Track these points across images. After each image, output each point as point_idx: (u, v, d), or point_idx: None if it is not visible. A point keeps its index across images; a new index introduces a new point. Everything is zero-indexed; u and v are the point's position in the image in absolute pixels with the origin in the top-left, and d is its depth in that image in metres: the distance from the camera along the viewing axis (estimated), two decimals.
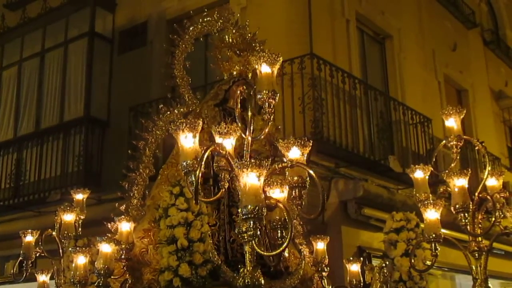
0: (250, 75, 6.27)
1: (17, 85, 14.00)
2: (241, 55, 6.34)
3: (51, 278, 6.44)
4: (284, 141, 3.91)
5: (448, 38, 16.02)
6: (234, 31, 6.43)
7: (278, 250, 3.61)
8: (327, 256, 6.22)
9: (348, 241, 10.29)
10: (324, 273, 6.22)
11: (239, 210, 3.35)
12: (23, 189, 12.94)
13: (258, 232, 3.40)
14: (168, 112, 6.45)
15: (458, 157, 5.34)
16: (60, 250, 6.23)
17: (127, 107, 12.03)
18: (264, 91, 3.83)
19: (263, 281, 3.62)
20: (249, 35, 6.44)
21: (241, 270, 3.62)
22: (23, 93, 13.87)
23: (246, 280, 3.54)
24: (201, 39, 6.79)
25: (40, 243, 6.35)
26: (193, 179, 3.56)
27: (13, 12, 14.85)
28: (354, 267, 6.11)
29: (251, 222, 3.33)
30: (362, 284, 6.09)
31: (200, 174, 3.50)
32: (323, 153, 9.83)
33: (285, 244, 3.51)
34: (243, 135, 3.98)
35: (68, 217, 6.18)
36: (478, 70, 17.51)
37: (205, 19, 6.49)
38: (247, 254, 3.56)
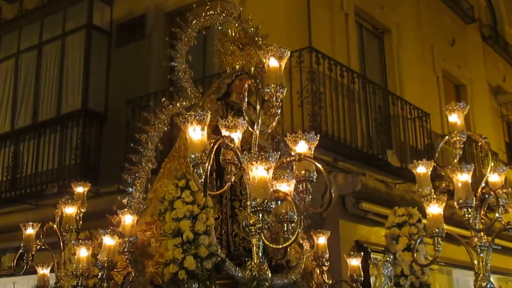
0: (252, 69, 6.27)
1: (14, 77, 13.95)
2: (244, 49, 6.33)
3: (51, 271, 6.43)
4: (291, 135, 3.91)
5: (447, 33, 16.02)
6: (236, 25, 6.42)
7: (287, 244, 3.61)
8: (327, 251, 6.26)
9: (346, 235, 10.30)
10: (324, 268, 6.25)
11: (248, 203, 3.35)
12: (20, 182, 12.90)
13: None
14: (170, 106, 6.44)
15: (460, 153, 5.34)
16: (61, 243, 6.23)
17: (125, 100, 12.00)
18: (272, 85, 3.83)
19: (270, 274, 3.62)
20: (252, 29, 6.43)
21: (248, 263, 3.62)
22: (20, 85, 13.83)
23: (254, 273, 3.54)
24: (203, 32, 6.76)
25: (41, 236, 6.34)
26: (201, 171, 3.55)
27: (10, 4, 14.79)
28: (355, 262, 6.13)
29: (260, 215, 3.33)
30: (362, 278, 6.12)
31: (209, 167, 3.49)
32: (321, 147, 9.76)
33: (293, 238, 3.51)
34: (250, 129, 3.96)
35: (69, 210, 6.18)
36: (477, 65, 17.51)
37: (207, 13, 6.47)
38: (254, 247, 3.55)
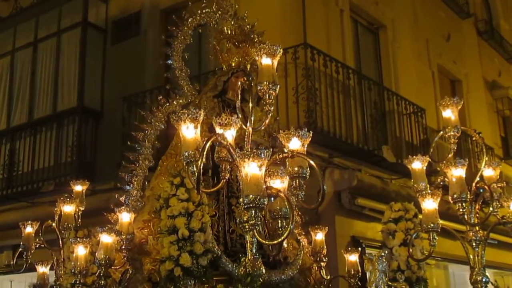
0: (248, 66, 6.28)
1: (10, 75, 13.93)
2: (240, 47, 6.34)
3: (51, 269, 6.45)
4: (284, 131, 3.92)
5: (442, 28, 16.03)
6: (232, 22, 6.42)
7: (280, 240, 3.63)
8: (325, 246, 6.28)
9: (342, 231, 10.32)
10: (322, 263, 6.27)
11: (241, 200, 3.37)
12: (17, 180, 12.90)
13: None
14: (167, 104, 6.45)
15: (455, 148, 5.36)
16: (60, 241, 6.25)
17: (120, 97, 12.01)
18: (265, 83, 3.85)
19: (264, 270, 3.65)
20: (248, 26, 6.44)
21: (242, 259, 3.64)
22: (16, 83, 13.81)
23: (248, 269, 3.56)
24: (199, 30, 6.77)
25: (40, 234, 6.36)
26: (195, 169, 3.57)
27: (5, 2, 14.79)
28: (353, 257, 6.16)
29: (253, 212, 3.35)
30: (360, 273, 6.15)
31: (202, 164, 3.51)
32: (317, 143, 9.82)
33: (286, 233, 3.53)
34: (244, 126, 3.98)
35: (68, 208, 6.21)
36: (472, 60, 17.54)
37: (203, 10, 6.48)
38: (248, 244, 3.58)
